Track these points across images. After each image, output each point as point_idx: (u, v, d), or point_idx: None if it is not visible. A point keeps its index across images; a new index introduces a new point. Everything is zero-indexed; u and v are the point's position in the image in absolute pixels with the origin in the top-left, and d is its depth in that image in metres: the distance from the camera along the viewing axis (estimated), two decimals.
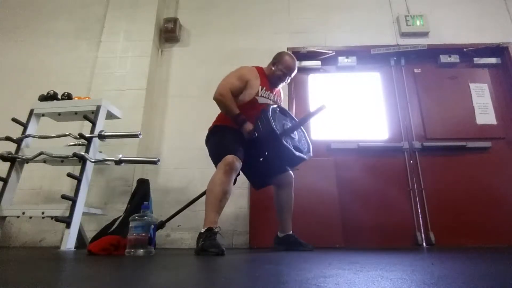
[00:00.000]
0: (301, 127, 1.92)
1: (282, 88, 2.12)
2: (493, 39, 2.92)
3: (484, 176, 2.60)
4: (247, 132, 1.77)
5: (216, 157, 1.75)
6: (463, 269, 0.87)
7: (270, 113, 1.73)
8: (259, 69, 1.96)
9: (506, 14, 3.03)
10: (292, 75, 1.98)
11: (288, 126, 1.83)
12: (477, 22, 3.01)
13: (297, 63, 2.00)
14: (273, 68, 1.95)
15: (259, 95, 1.86)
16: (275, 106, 1.86)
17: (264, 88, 1.89)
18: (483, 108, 2.80)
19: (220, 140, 1.81)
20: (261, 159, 1.90)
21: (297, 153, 1.75)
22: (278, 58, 1.96)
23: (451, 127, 2.76)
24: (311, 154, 1.90)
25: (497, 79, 2.91)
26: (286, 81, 1.99)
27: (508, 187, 2.54)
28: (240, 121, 1.77)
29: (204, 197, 1.72)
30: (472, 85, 2.88)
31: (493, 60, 2.94)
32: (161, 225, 1.95)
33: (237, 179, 1.81)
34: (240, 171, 1.79)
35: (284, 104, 2.71)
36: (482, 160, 2.65)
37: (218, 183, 1.61)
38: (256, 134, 1.75)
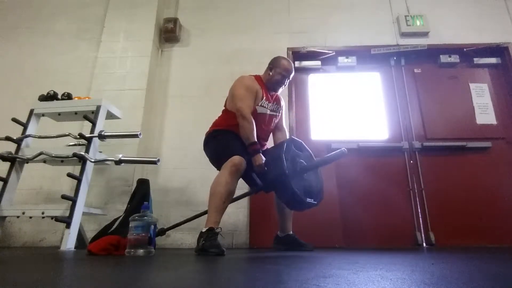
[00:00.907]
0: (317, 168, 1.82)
1: (281, 92, 2.11)
2: (493, 39, 2.92)
3: (484, 176, 2.60)
4: (256, 165, 1.71)
5: (219, 159, 1.71)
6: (463, 269, 0.87)
7: (284, 151, 1.63)
8: (257, 78, 1.94)
9: (506, 14, 3.03)
10: (290, 77, 1.98)
11: (301, 166, 1.71)
12: (477, 22, 3.01)
13: (293, 65, 1.99)
14: (271, 73, 1.94)
15: (259, 104, 1.85)
16: (290, 141, 1.78)
17: (264, 97, 1.88)
18: (483, 108, 2.80)
19: (224, 143, 1.78)
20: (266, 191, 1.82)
21: (307, 200, 1.65)
22: (274, 63, 1.96)
23: (451, 127, 2.76)
24: (323, 196, 1.80)
25: (497, 79, 2.91)
26: (285, 84, 1.98)
27: (508, 187, 2.54)
28: (253, 151, 1.71)
29: (206, 197, 1.71)
30: (472, 85, 2.88)
31: (493, 60, 2.94)
32: (161, 232, 1.94)
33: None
34: None
35: (284, 105, 2.71)
36: (482, 160, 2.65)
37: (223, 183, 1.59)
38: (266, 169, 1.68)
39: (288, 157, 1.66)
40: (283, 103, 2.07)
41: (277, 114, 2.00)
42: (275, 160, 1.63)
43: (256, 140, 1.72)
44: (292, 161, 1.68)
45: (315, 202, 1.72)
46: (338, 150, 1.67)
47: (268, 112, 1.90)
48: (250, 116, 1.74)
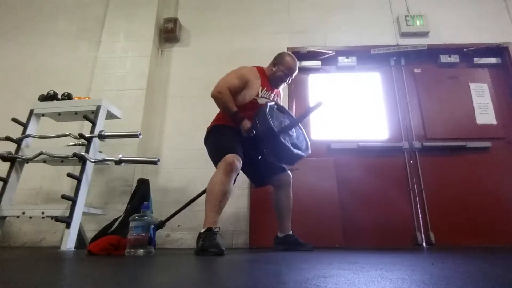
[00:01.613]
0: (299, 124, 1.92)
1: (282, 88, 2.12)
2: (493, 39, 2.92)
3: (484, 176, 2.60)
4: (245, 129, 1.76)
5: (215, 156, 1.74)
6: (463, 269, 0.87)
7: (267, 110, 1.74)
8: (260, 69, 1.96)
9: (506, 14, 3.03)
10: (293, 75, 1.98)
11: (286, 124, 1.83)
12: (477, 22, 3.01)
13: (297, 63, 2.00)
14: (274, 69, 1.95)
15: (260, 95, 1.86)
16: (272, 103, 1.85)
17: (265, 88, 1.89)
18: (483, 108, 2.80)
19: (220, 140, 1.80)
20: (259, 158, 1.90)
21: (295, 151, 1.75)
22: (278, 59, 1.96)
23: (451, 127, 2.76)
24: (310, 151, 1.90)
25: (497, 79, 2.91)
26: (287, 81, 1.99)
27: (508, 187, 2.54)
28: (238, 119, 1.77)
29: (204, 197, 1.72)
30: (472, 85, 2.88)
31: (493, 60, 2.94)
32: (161, 224, 1.95)
33: (237, 179, 1.81)
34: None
35: (284, 104, 2.72)
36: (482, 160, 2.65)
37: (218, 183, 1.60)
38: (254, 132, 1.75)
39: (273, 116, 1.76)
40: (282, 93, 2.14)
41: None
42: (261, 119, 1.72)
43: (236, 108, 1.78)
44: (276, 119, 1.78)
45: (303, 154, 1.80)
46: (316, 102, 1.80)
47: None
48: (225, 89, 1.78)
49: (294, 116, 2.00)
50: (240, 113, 1.78)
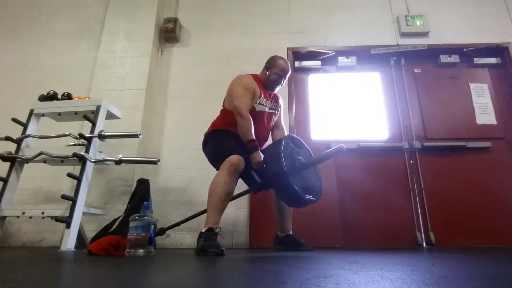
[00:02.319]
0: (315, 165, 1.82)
1: (280, 89, 2.12)
2: (493, 39, 2.92)
3: (484, 176, 2.60)
4: (255, 162, 1.71)
5: (218, 159, 1.72)
6: (463, 269, 0.87)
7: (282, 147, 1.63)
8: (255, 77, 1.95)
9: (506, 14, 3.03)
10: (287, 76, 1.98)
11: (299, 163, 1.70)
12: (477, 22, 3.01)
13: (290, 65, 1.99)
14: (267, 73, 1.95)
15: (257, 102, 1.86)
16: (288, 139, 1.75)
17: (262, 95, 1.89)
18: (483, 108, 2.80)
19: (222, 143, 1.78)
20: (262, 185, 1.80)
21: (306, 197, 1.65)
22: (271, 62, 1.96)
23: (451, 127, 2.76)
24: (322, 194, 1.80)
25: (497, 79, 2.91)
26: (282, 83, 1.98)
27: (508, 187, 2.54)
28: (251, 149, 1.71)
29: (205, 198, 1.71)
30: (472, 85, 2.88)
31: (493, 60, 2.94)
32: (161, 232, 1.94)
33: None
34: None
35: (284, 104, 2.71)
36: (482, 160, 2.65)
37: (221, 183, 1.59)
38: (264, 166, 1.69)
39: (287, 154, 1.65)
40: (281, 101, 2.09)
41: (276, 112, 2.01)
42: (273, 157, 1.63)
43: (254, 137, 1.73)
44: (290, 158, 1.67)
45: (314, 199, 1.72)
46: (337, 147, 1.66)
47: (267, 110, 1.91)
48: (247, 114, 1.74)
49: (310, 149, 1.86)
50: (255, 143, 1.72)
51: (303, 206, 1.75)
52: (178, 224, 1.99)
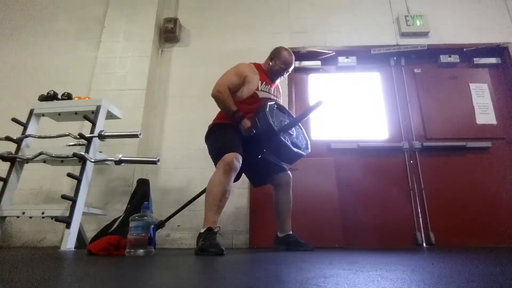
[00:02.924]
0: (299, 124, 1.93)
1: (281, 86, 2.13)
2: (493, 39, 2.92)
3: (484, 176, 2.60)
4: (244, 128, 1.76)
5: (215, 155, 1.75)
6: (463, 269, 0.87)
7: (267, 109, 1.74)
8: (257, 65, 1.97)
9: (506, 14, 3.03)
10: (290, 69, 1.99)
11: (286, 123, 1.83)
12: (477, 22, 3.01)
13: (294, 57, 2.00)
14: (271, 63, 1.96)
15: (260, 89, 1.87)
16: (272, 102, 1.85)
17: (264, 82, 1.90)
18: (483, 108, 2.80)
19: (219, 138, 1.81)
20: (259, 157, 1.90)
21: (295, 150, 1.76)
22: (275, 53, 1.97)
23: (451, 127, 2.76)
24: (309, 150, 1.91)
25: (497, 79, 2.91)
26: (283, 75, 1.99)
27: (508, 187, 2.54)
28: (238, 118, 1.77)
29: (203, 197, 1.72)
30: (472, 85, 2.88)
31: (493, 60, 2.94)
32: (160, 224, 1.95)
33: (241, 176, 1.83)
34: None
35: (284, 104, 2.71)
36: (482, 160, 2.65)
37: (217, 183, 1.60)
38: (254, 131, 1.75)
39: (273, 115, 1.76)
40: (282, 92, 2.14)
41: (279, 100, 2.04)
42: (261, 118, 1.73)
43: (236, 108, 1.77)
44: (276, 118, 1.79)
45: (303, 153, 1.82)
46: (316, 101, 1.78)
47: (272, 97, 1.93)
48: (225, 89, 1.79)
49: (294, 115, 2.00)
50: (239, 112, 1.77)
51: (294, 161, 1.89)
52: (176, 212, 2.01)
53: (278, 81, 2.03)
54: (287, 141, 1.74)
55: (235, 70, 1.89)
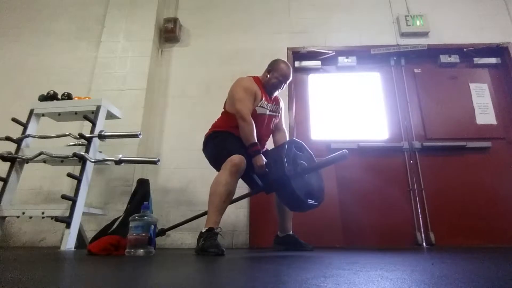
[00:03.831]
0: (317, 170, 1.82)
1: (278, 93, 2.11)
2: (493, 39, 2.92)
3: (484, 176, 2.60)
4: (257, 166, 1.71)
5: (218, 159, 1.71)
6: (463, 269, 0.87)
7: (285, 151, 1.63)
8: (256, 79, 1.94)
9: (506, 14, 3.03)
10: (287, 82, 1.97)
11: (302, 167, 1.70)
12: (477, 22, 3.01)
13: (291, 71, 1.98)
14: (268, 76, 1.94)
15: (258, 105, 1.85)
16: (291, 144, 1.76)
17: (263, 98, 1.88)
18: (483, 108, 2.80)
19: (223, 143, 1.78)
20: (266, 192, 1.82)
21: (309, 201, 1.65)
22: (273, 66, 1.95)
23: (451, 127, 2.76)
24: (324, 198, 1.81)
25: (497, 79, 2.91)
26: (281, 88, 1.97)
27: (508, 187, 2.54)
28: (253, 152, 1.71)
29: (205, 197, 1.71)
30: (472, 85, 2.88)
31: (493, 60, 2.94)
32: (161, 232, 1.94)
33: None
34: None
35: (284, 104, 2.71)
36: (482, 160, 2.65)
37: (223, 183, 1.59)
38: (267, 170, 1.68)
39: (289, 159, 1.65)
40: (282, 103, 2.07)
41: (277, 114, 2.00)
42: (276, 161, 1.63)
43: (256, 141, 1.72)
44: (293, 162, 1.67)
45: (316, 203, 1.72)
46: (340, 152, 1.65)
47: (268, 112, 1.90)
48: (249, 117, 1.74)
49: (311, 153, 1.87)
50: (257, 147, 1.72)
51: (305, 211, 1.76)
52: (178, 225, 1.99)
53: (276, 94, 1.99)
54: (301, 189, 1.62)
55: (248, 90, 1.82)
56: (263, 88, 1.93)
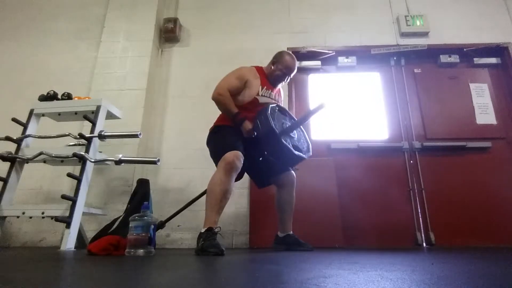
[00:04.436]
0: (301, 126, 1.92)
1: (282, 88, 2.12)
2: (493, 39, 2.92)
3: (484, 176, 2.60)
4: (246, 131, 1.76)
5: (216, 156, 1.73)
6: (463, 269, 0.87)
7: (269, 112, 1.73)
8: (259, 69, 1.96)
9: (506, 14, 3.03)
10: (292, 75, 1.98)
11: (287, 125, 1.83)
12: (477, 22, 3.01)
13: (297, 63, 2.00)
14: (272, 67, 1.95)
15: (260, 94, 1.86)
16: (274, 105, 1.85)
17: (265, 87, 1.89)
18: (483, 108, 2.80)
19: (220, 139, 1.80)
20: (260, 159, 1.89)
21: (297, 153, 1.75)
22: (278, 58, 1.96)
23: (451, 127, 2.76)
24: (311, 153, 1.91)
25: (497, 79, 2.91)
26: (285, 80, 1.99)
27: (508, 187, 2.54)
28: (239, 120, 1.77)
29: (204, 197, 1.72)
30: (472, 85, 2.88)
31: (493, 60, 2.94)
32: (161, 225, 1.95)
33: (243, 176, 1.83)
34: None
35: (284, 104, 2.71)
36: (482, 160, 2.65)
37: (218, 183, 1.60)
38: (255, 133, 1.74)
39: (274, 117, 1.76)
40: (282, 93, 2.12)
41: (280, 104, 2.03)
42: (262, 121, 1.72)
43: (237, 110, 1.78)
44: (278, 121, 1.78)
45: (304, 156, 1.81)
46: (318, 104, 1.77)
47: (272, 101, 1.92)
48: (225, 91, 1.79)
49: (295, 118, 2.00)
50: (240, 114, 1.77)
51: (295, 164, 1.93)
52: (177, 213, 2.00)
53: (279, 86, 2.02)
54: (289, 144, 1.74)
55: (237, 73, 1.88)
56: (266, 78, 1.94)
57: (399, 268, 0.88)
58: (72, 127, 2.34)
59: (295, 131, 1.86)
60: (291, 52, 2.03)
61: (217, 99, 1.80)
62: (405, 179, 2.65)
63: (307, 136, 1.97)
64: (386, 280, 0.65)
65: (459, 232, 2.46)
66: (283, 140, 1.70)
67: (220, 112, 1.97)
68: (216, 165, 1.74)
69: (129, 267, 0.95)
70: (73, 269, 0.97)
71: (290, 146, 1.72)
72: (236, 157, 1.64)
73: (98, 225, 2.17)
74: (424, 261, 1.14)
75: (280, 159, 1.85)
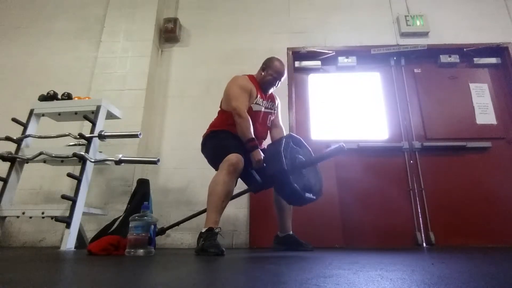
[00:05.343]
0: (316, 164, 1.83)
1: (281, 87, 2.12)
2: (493, 39, 2.92)
3: (484, 176, 2.60)
4: (255, 160, 1.72)
5: (216, 158, 1.72)
6: (463, 269, 0.87)
7: (283, 146, 1.63)
8: (251, 77, 1.97)
9: (506, 14, 3.03)
10: (282, 79, 2.00)
11: (300, 161, 1.71)
12: (477, 22, 3.01)
13: (285, 68, 2.01)
14: (263, 73, 1.97)
15: (254, 102, 1.87)
16: (288, 137, 1.76)
17: (259, 95, 1.91)
18: (483, 108, 2.80)
19: (220, 143, 1.79)
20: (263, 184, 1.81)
21: (306, 195, 1.65)
22: (267, 64, 1.98)
23: (451, 127, 2.76)
24: (322, 192, 1.81)
25: (497, 79, 2.91)
26: (276, 85, 1.99)
27: (508, 187, 2.54)
28: (251, 147, 1.72)
29: (204, 198, 1.71)
30: (472, 85, 2.88)
31: (493, 60, 2.94)
32: (161, 231, 1.94)
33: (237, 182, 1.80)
34: None
35: (284, 104, 2.72)
36: (482, 160, 2.65)
37: (220, 183, 1.59)
38: (265, 165, 1.69)
39: (287, 153, 1.66)
40: (278, 101, 2.11)
41: (272, 111, 2.02)
42: (274, 156, 1.63)
43: (253, 136, 1.74)
44: (291, 157, 1.68)
45: (314, 198, 1.73)
46: (337, 145, 1.67)
47: (263, 109, 1.93)
48: (246, 114, 1.76)
49: (310, 149, 1.88)
50: (255, 141, 1.73)
51: (303, 205, 1.76)
52: (178, 223, 1.99)
53: (271, 91, 2.02)
54: (300, 181, 1.63)
55: (243, 86, 1.84)
56: (258, 85, 1.95)
57: (399, 268, 0.88)
58: (72, 127, 2.34)
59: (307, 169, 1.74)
60: (279, 58, 2.03)
61: (239, 122, 1.74)
62: (405, 179, 2.65)
63: (320, 174, 1.87)
64: (386, 280, 0.65)
65: (459, 232, 2.46)
66: (292, 183, 1.57)
67: (217, 111, 1.97)
68: (215, 168, 1.74)
69: (129, 267, 0.95)
70: (73, 269, 0.97)
71: (299, 189, 1.59)
72: (239, 159, 1.64)
73: (98, 225, 2.17)
74: (424, 261, 1.14)
75: (287, 198, 1.76)
